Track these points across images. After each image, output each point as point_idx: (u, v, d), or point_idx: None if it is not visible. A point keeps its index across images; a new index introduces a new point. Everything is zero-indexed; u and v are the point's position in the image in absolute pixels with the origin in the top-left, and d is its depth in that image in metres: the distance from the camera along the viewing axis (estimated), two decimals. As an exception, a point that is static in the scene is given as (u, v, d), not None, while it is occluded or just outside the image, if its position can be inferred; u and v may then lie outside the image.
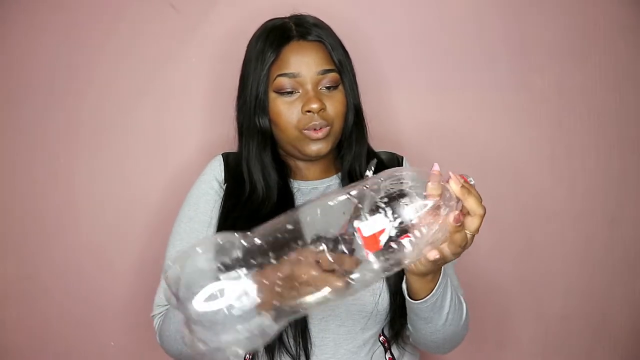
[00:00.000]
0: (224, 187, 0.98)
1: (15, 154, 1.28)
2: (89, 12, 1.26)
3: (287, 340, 0.89)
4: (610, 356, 1.35)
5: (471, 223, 0.64)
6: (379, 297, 0.89)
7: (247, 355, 0.92)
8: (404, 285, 0.80)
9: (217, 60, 1.27)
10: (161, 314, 0.96)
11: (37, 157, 1.28)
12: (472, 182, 0.65)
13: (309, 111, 0.89)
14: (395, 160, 1.03)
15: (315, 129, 0.90)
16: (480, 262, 1.31)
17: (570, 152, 1.32)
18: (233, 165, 1.00)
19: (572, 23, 1.29)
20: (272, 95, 0.92)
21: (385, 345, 0.94)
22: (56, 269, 1.29)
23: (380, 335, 0.94)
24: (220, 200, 0.97)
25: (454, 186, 0.62)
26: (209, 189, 0.98)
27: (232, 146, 1.05)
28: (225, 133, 1.27)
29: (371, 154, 1.01)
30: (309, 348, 0.89)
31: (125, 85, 1.27)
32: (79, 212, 1.28)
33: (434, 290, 0.76)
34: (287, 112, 0.91)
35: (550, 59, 1.30)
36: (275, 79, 0.91)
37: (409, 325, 0.89)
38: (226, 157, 1.02)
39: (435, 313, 0.80)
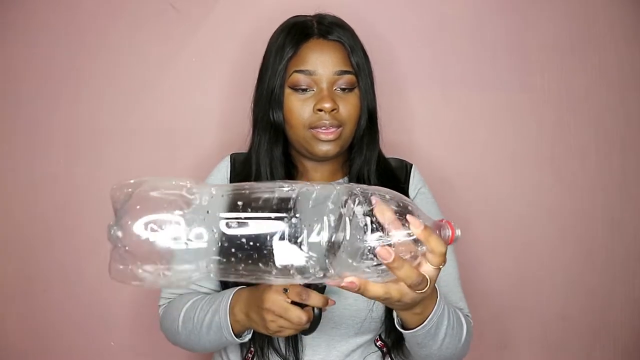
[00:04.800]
0: None
1: (15, 153, 1.28)
2: (88, 12, 1.26)
3: (277, 340, 0.89)
4: (610, 356, 1.35)
5: (433, 259, 0.61)
6: (373, 305, 0.88)
7: (248, 354, 0.92)
8: (394, 315, 0.77)
9: (217, 60, 1.27)
10: (164, 305, 0.98)
11: (38, 156, 1.28)
12: (458, 234, 0.62)
13: (320, 110, 0.88)
14: (404, 168, 1.02)
15: (325, 128, 0.89)
16: (480, 262, 1.31)
17: (570, 152, 1.32)
18: (240, 165, 1.00)
19: (573, 23, 1.29)
20: (287, 90, 0.91)
21: (384, 349, 0.94)
22: (56, 269, 1.29)
23: (377, 340, 0.94)
24: None
25: (415, 230, 0.58)
26: None
27: (238, 147, 1.05)
28: (228, 133, 1.28)
29: (381, 160, 1.00)
30: (300, 349, 0.89)
31: (125, 86, 1.27)
32: (79, 212, 1.28)
33: (425, 322, 0.73)
34: (300, 109, 0.90)
35: (551, 59, 1.30)
36: (291, 74, 0.90)
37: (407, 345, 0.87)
38: (234, 158, 1.02)
39: (429, 340, 0.76)
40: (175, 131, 1.28)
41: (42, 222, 1.28)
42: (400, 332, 0.78)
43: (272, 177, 0.94)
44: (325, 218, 0.58)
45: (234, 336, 0.83)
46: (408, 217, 0.58)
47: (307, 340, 0.90)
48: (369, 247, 0.57)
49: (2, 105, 1.27)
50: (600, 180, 1.32)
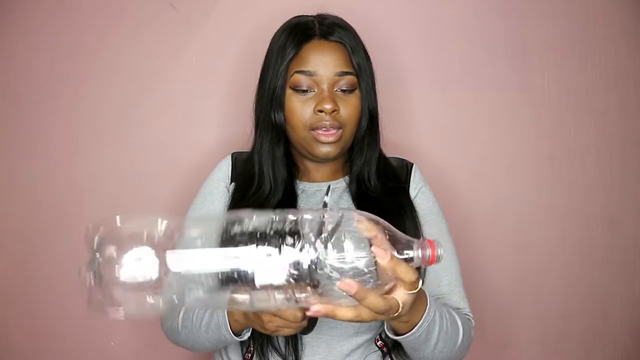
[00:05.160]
0: (230, 186, 0.98)
1: (15, 153, 1.28)
2: (88, 13, 1.26)
3: (276, 339, 0.88)
4: (610, 356, 1.35)
5: (404, 285, 0.61)
6: None
7: (247, 355, 0.92)
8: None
9: (217, 60, 1.27)
10: None
11: (38, 156, 1.28)
12: (439, 253, 0.61)
13: (321, 111, 0.88)
14: (404, 167, 1.02)
15: (325, 129, 0.89)
16: (480, 262, 1.31)
17: (570, 152, 1.32)
18: (242, 164, 1.00)
19: (573, 23, 1.29)
20: (288, 91, 0.91)
21: (384, 349, 0.93)
22: (56, 269, 1.29)
23: (377, 340, 0.93)
24: (224, 200, 0.97)
25: (381, 261, 0.58)
26: (214, 189, 0.98)
27: (239, 147, 1.05)
28: (228, 133, 1.28)
29: (382, 159, 1.00)
30: (300, 349, 0.88)
31: (125, 86, 1.27)
32: (79, 212, 1.28)
33: (413, 329, 0.73)
34: (300, 110, 0.90)
35: (551, 59, 1.30)
36: (292, 75, 0.90)
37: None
38: (235, 157, 1.02)
39: (420, 345, 0.77)
40: (175, 131, 1.28)
41: (42, 222, 1.28)
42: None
43: (274, 178, 0.94)
44: (303, 240, 0.58)
45: (232, 335, 0.82)
46: (373, 248, 0.58)
47: (307, 340, 0.89)
48: (342, 269, 0.57)
49: (2, 105, 1.27)
50: (600, 180, 1.32)
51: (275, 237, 0.58)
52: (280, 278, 0.58)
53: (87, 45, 1.26)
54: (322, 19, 0.94)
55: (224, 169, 1.01)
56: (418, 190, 0.99)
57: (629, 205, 1.33)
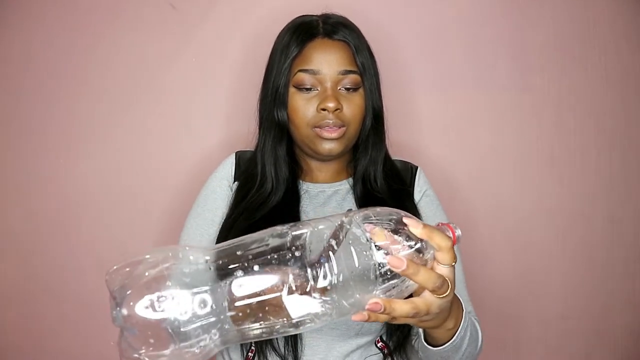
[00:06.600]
0: (233, 185, 0.98)
1: (13, 153, 1.27)
2: (87, 13, 1.26)
3: (276, 339, 0.88)
4: (610, 356, 1.35)
5: (443, 257, 0.59)
6: None
7: (249, 354, 0.92)
8: (420, 330, 0.76)
9: (217, 60, 1.27)
10: None
11: (36, 156, 1.27)
12: (458, 234, 0.61)
13: (324, 109, 0.88)
14: (409, 170, 1.02)
15: (328, 127, 0.89)
16: (480, 262, 1.31)
17: (570, 152, 1.32)
18: (246, 163, 1.00)
19: (574, 23, 1.30)
20: (292, 90, 0.91)
21: (385, 351, 0.93)
22: (56, 269, 1.28)
23: (378, 341, 0.93)
24: (227, 198, 0.97)
25: (415, 230, 0.57)
26: (217, 187, 0.99)
27: (239, 147, 1.05)
28: (227, 133, 1.28)
29: (388, 160, 1.00)
30: (299, 349, 0.88)
31: (124, 86, 1.27)
32: (78, 211, 1.28)
33: (454, 337, 0.71)
34: (303, 108, 0.90)
35: (551, 59, 1.30)
36: (296, 73, 0.90)
37: (421, 355, 0.84)
38: (239, 155, 1.02)
39: (453, 353, 0.75)
40: (175, 131, 1.28)
41: (41, 222, 1.28)
42: (403, 333, 0.76)
43: (276, 176, 0.94)
44: (325, 258, 0.56)
45: None
46: (405, 219, 0.57)
47: (307, 340, 0.89)
48: (376, 271, 0.56)
49: (4, 103, 1.27)
50: (600, 180, 1.32)
51: (295, 271, 0.56)
52: (314, 307, 0.55)
53: (85, 44, 1.26)
54: (326, 18, 0.95)
55: (228, 167, 1.01)
56: (422, 194, 1.00)
57: (630, 205, 1.33)
